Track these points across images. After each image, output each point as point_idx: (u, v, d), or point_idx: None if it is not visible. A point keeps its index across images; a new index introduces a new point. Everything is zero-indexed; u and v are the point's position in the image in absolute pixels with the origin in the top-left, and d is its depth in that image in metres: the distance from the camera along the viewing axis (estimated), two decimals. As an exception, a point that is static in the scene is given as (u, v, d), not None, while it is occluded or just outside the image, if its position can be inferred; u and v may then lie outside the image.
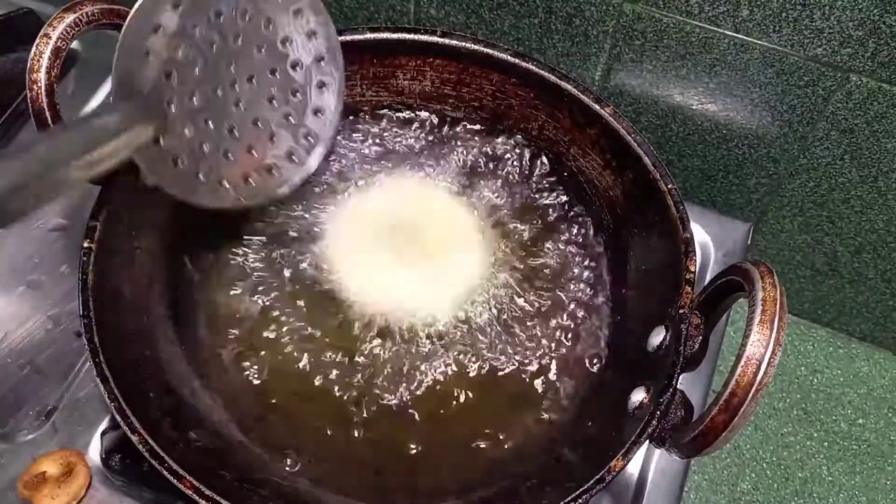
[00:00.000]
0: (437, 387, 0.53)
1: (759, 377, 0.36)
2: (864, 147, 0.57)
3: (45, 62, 0.43)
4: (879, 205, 0.60)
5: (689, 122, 0.62)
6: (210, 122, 0.45)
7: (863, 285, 0.68)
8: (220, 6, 0.45)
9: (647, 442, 0.42)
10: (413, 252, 0.57)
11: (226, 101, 0.45)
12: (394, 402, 0.52)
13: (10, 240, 0.63)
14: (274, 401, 0.53)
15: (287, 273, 0.55)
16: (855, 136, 0.56)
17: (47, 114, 0.44)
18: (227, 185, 0.46)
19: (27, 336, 0.59)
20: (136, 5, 0.44)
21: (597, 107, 0.52)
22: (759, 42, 0.54)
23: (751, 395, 0.36)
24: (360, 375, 0.53)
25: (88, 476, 0.53)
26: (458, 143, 0.60)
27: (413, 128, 0.60)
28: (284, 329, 0.54)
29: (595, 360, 0.54)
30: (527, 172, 0.60)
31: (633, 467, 0.56)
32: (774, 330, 0.37)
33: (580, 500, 0.41)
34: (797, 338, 0.73)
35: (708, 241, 0.65)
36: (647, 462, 0.56)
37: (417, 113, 0.60)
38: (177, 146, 0.45)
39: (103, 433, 0.54)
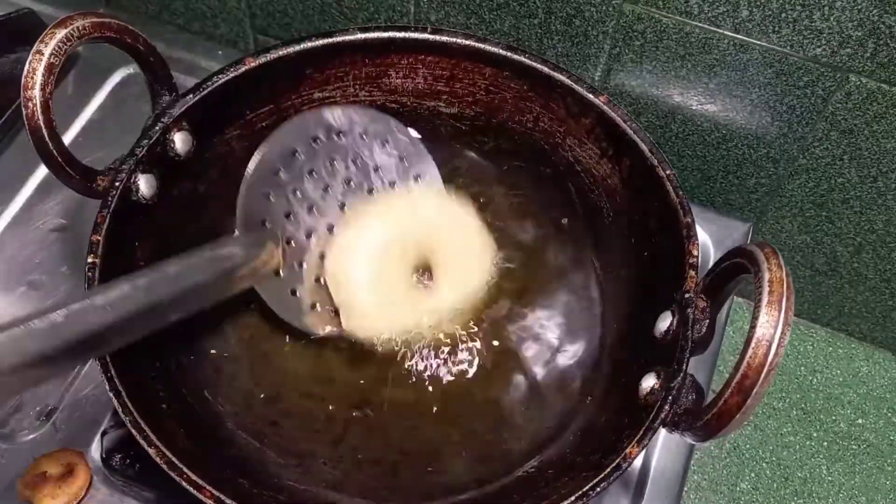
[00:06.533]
0: (453, 384, 0.54)
1: (769, 358, 0.37)
2: (863, 147, 0.57)
3: (38, 79, 0.43)
4: (879, 205, 0.61)
5: (689, 123, 0.62)
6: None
7: (862, 285, 0.68)
8: (334, 153, 0.55)
9: (661, 427, 0.42)
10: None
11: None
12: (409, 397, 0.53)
13: (11, 240, 0.63)
14: (286, 405, 0.53)
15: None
16: (854, 136, 0.56)
17: (44, 131, 0.44)
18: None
19: (28, 336, 0.59)
20: (258, 154, 0.52)
21: (591, 96, 0.52)
22: (759, 42, 0.54)
23: (763, 375, 0.37)
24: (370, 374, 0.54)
25: (89, 476, 0.53)
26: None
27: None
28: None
29: (603, 349, 0.55)
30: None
31: (633, 467, 0.56)
32: (783, 310, 0.37)
33: (598, 488, 0.41)
34: (796, 337, 0.73)
35: (707, 241, 0.65)
36: (646, 462, 0.57)
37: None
38: (291, 276, 0.53)
39: (104, 433, 0.54)
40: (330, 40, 0.54)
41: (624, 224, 0.55)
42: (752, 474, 0.67)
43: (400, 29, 0.55)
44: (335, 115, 0.55)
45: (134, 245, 0.50)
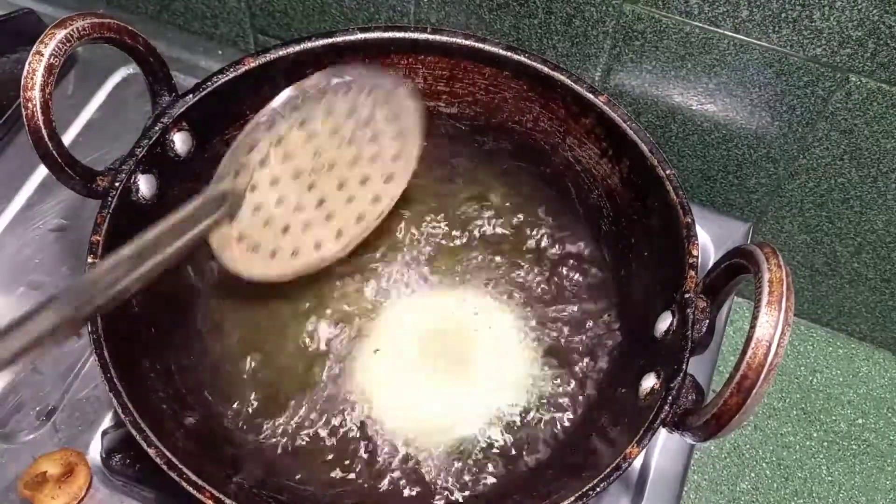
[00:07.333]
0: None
1: (769, 358, 0.37)
2: (863, 147, 0.57)
3: (38, 79, 0.43)
4: (879, 205, 0.60)
5: (689, 123, 0.62)
6: (285, 203, 0.52)
7: (862, 285, 0.68)
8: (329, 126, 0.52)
9: (661, 427, 0.42)
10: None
11: (303, 185, 0.52)
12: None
13: (10, 240, 0.63)
14: (286, 404, 0.53)
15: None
16: (854, 136, 0.56)
17: (44, 132, 0.44)
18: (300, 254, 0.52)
19: (28, 336, 0.59)
20: (252, 123, 0.50)
21: (590, 96, 0.52)
22: (759, 42, 0.54)
23: (762, 376, 0.37)
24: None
25: (89, 476, 0.53)
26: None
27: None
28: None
29: (603, 350, 0.55)
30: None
31: (633, 467, 0.56)
32: (783, 310, 0.37)
33: (598, 488, 0.41)
34: (796, 337, 0.73)
35: (708, 241, 0.65)
36: (646, 462, 0.57)
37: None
38: (249, 228, 0.51)
39: (104, 433, 0.54)
40: (330, 40, 0.54)
41: (624, 224, 0.55)
42: (752, 474, 0.67)
43: (400, 29, 0.55)
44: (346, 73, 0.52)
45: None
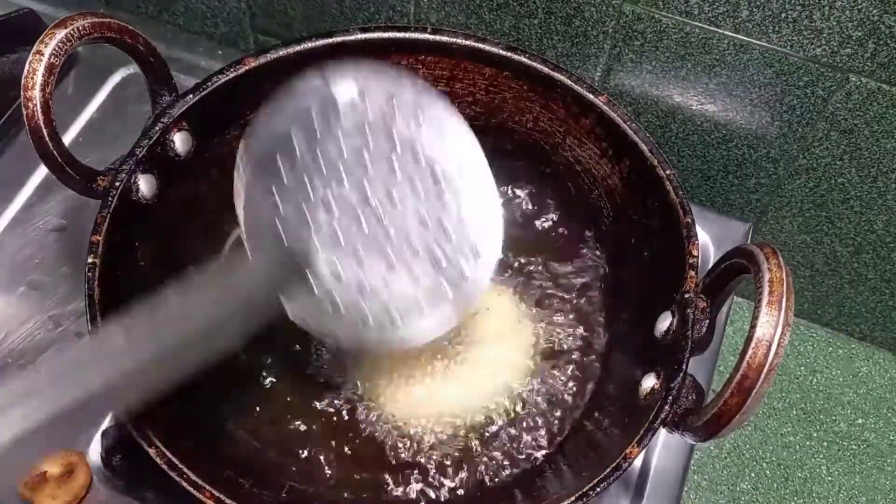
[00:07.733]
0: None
1: (770, 358, 0.37)
2: (863, 147, 0.57)
3: (39, 79, 0.43)
4: (879, 205, 0.60)
5: (689, 123, 0.62)
6: (359, 255, 0.42)
7: (862, 285, 0.68)
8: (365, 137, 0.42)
9: (661, 427, 0.42)
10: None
11: (370, 232, 0.43)
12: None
13: (10, 240, 0.63)
14: (288, 400, 0.53)
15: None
16: (854, 136, 0.56)
17: (44, 131, 0.44)
18: (373, 324, 0.44)
19: (28, 336, 0.59)
20: (247, 135, 0.40)
21: (591, 96, 0.52)
22: (759, 42, 0.54)
23: (763, 376, 0.37)
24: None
25: (89, 476, 0.53)
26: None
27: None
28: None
29: (603, 350, 0.55)
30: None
31: (633, 467, 0.56)
32: (783, 310, 0.37)
33: (598, 488, 0.41)
34: (796, 338, 0.73)
35: (708, 241, 0.65)
36: (646, 462, 0.57)
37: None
38: (324, 288, 0.43)
39: (104, 433, 0.54)
40: (330, 40, 0.53)
41: (624, 224, 0.55)
42: (752, 474, 0.67)
43: (400, 29, 0.55)
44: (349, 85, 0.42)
45: (134, 245, 0.50)
